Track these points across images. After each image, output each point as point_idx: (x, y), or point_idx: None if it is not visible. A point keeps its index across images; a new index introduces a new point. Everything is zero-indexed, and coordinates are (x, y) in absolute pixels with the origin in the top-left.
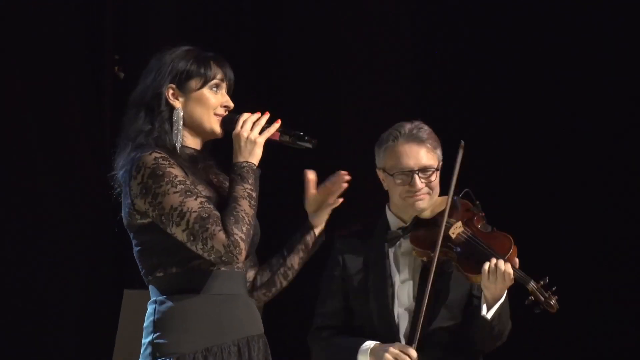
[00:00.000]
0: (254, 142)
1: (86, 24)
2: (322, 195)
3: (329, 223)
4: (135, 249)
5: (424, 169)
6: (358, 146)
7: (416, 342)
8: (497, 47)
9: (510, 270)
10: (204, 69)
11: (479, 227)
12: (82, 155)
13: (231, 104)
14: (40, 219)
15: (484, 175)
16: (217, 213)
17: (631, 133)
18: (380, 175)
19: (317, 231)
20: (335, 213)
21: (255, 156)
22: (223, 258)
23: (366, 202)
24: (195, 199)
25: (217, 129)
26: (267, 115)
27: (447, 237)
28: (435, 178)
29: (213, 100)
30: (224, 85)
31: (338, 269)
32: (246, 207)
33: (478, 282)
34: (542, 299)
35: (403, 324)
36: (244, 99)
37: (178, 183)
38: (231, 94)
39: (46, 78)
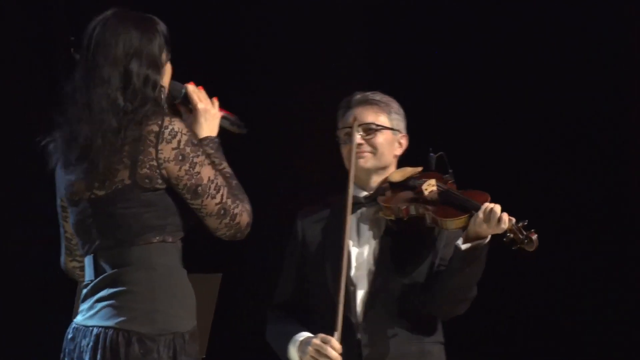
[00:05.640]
0: (217, 118)
1: (39, 4)
2: None
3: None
4: (128, 211)
5: (365, 126)
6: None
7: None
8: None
9: (505, 216)
10: (167, 36)
11: (449, 185)
12: (32, 139)
13: None
14: None
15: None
16: (233, 190)
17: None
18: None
19: None
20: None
21: (216, 131)
22: (238, 235)
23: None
24: (220, 174)
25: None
26: (202, 89)
27: (419, 193)
28: (380, 138)
29: (170, 70)
30: None
31: (296, 242)
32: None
33: (455, 226)
34: (521, 237)
35: (360, 290)
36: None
37: (207, 155)
38: None
39: None
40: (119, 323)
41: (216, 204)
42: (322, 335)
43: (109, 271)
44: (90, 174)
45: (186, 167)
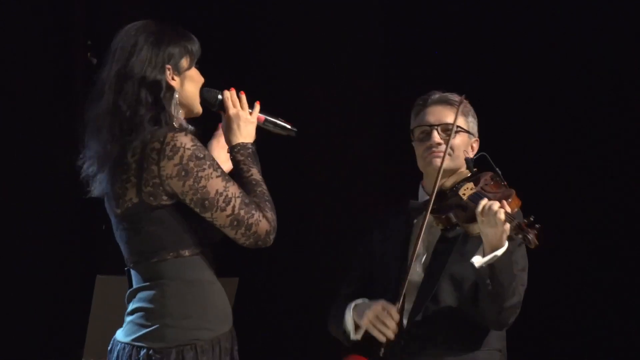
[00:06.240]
0: (252, 123)
1: (55, 7)
2: None
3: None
4: (142, 229)
5: (444, 126)
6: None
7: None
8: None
9: (502, 212)
10: (189, 45)
11: (489, 186)
12: (50, 142)
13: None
14: (8, 206)
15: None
16: (254, 199)
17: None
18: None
19: None
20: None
21: (252, 137)
22: (259, 243)
23: None
24: (234, 184)
25: (200, 107)
26: (244, 95)
27: (459, 198)
28: (457, 140)
29: (199, 78)
30: None
31: (365, 239)
32: (268, 192)
33: (476, 232)
34: (523, 233)
35: (409, 298)
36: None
37: (217, 167)
38: None
39: (11, 65)
40: (134, 339)
41: (227, 216)
42: (383, 302)
43: (134, 286)
44: (110, 192)
45: (190, 182)
